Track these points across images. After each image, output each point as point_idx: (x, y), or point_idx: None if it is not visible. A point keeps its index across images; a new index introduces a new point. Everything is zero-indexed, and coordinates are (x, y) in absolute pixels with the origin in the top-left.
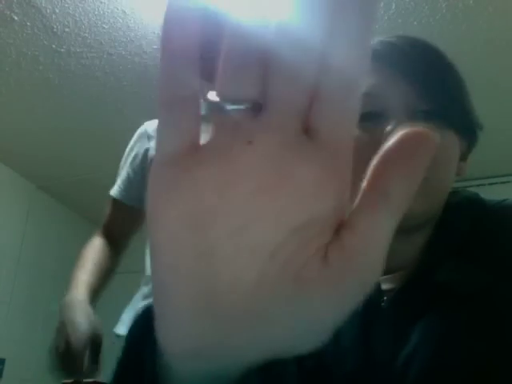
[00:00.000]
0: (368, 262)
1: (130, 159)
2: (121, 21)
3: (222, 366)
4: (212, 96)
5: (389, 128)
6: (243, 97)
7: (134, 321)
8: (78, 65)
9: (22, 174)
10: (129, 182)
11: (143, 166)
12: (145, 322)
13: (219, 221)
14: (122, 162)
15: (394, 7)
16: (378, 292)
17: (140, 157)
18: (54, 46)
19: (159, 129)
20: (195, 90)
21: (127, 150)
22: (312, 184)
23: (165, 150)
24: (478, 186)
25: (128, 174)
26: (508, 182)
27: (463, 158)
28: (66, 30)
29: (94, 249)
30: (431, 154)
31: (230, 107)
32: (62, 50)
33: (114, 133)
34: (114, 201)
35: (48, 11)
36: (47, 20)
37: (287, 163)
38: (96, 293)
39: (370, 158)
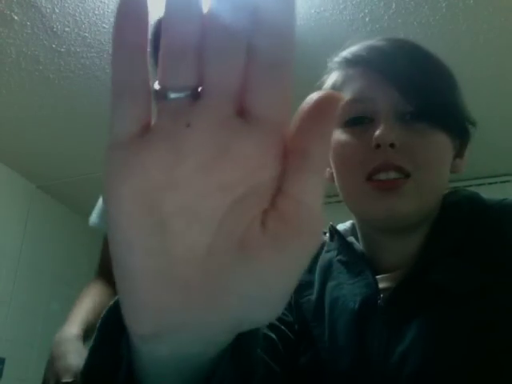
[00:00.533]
0: (304, 224)
1: None
2: None
3: (187, 345)
4: (156, 85)
5: (377, 133)
6: (182, 84)
7: (107, 310)
8: (78, 64)
9: (21, 174)
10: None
11: None
12: (118, 311)
13: (168, 197)
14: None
15: (394, 7)
16: (374, 291)
17: None
18: (54, 46)
19: (111, 114)
20: (144, 78)
21: None
22: (248, 159)
23: (115, 134)
24: (478, 185)
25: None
26: (508, 181)
27: (459, 155)
28: (66, 29)
29: (93, 288)
30: (338, 111)
31: (170, 95)
32: (62, 49)
33: None
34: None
35: (48, 11)
36: (47, 20)
37: (225, 142)
38: (91, 329)
39: (361, 162)
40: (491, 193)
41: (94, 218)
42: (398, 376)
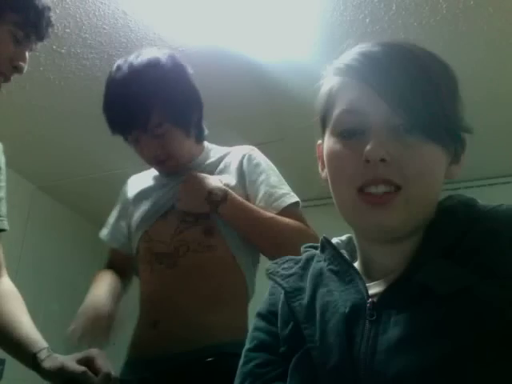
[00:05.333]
0: None
1: (117, 206)
2: (121, 22)
3: None
4: None
5: (368, 148)
6: None
7: None
8: (79, 65)
9: (22, 174)
10: (115, 227)
11: (120, 215)
12: None
13: None
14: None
15: (394, 8)
16: (364, 296)
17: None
18: (54, 47)
19: None
20: None
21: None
22: None
23: None
24: (479, 186)
25: (115, 219)
26: (508, 182)
27: (454, 161)
28: (67, 30)
29: (105, 275)
30: None
31: None
32: (63, 50)
33: None
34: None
35: None
36: None
37: None
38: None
39: (352, 175)
40: (492, 194)
41: (104, 233)
42: (384, 373)
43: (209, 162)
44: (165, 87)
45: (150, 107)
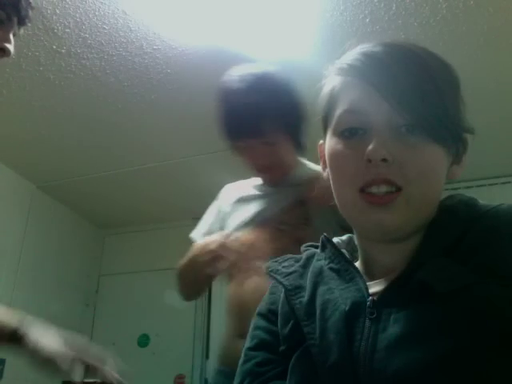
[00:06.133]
0: None
1: (211, 210)
2: (121, 21)
3: None
4: None
5: (370, 148)
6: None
7: None
8: (79, 65)
9: (22, 174)
10: (208, 230)
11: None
12: None
13: None
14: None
15: (394, 8)
16: (365, 295)
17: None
18: (54, 47)
19: None
20: None
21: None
22: None
23: None
24: (479, 186)
25: (209, 222)
26: (508, 182)
27: (456, 161)
28: (67, 30)
29: None
30: None
31: None
32: (63, 50)
33: (115, 133)
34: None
35: (49, 12)
36: (48, 21)
37: None
38: None
39: (354, 175)
40: (492, 194)
41: (197, 234)
42: (384, 370)
43: (300, 176)
44: (280, 98)
45: (265, 116)
